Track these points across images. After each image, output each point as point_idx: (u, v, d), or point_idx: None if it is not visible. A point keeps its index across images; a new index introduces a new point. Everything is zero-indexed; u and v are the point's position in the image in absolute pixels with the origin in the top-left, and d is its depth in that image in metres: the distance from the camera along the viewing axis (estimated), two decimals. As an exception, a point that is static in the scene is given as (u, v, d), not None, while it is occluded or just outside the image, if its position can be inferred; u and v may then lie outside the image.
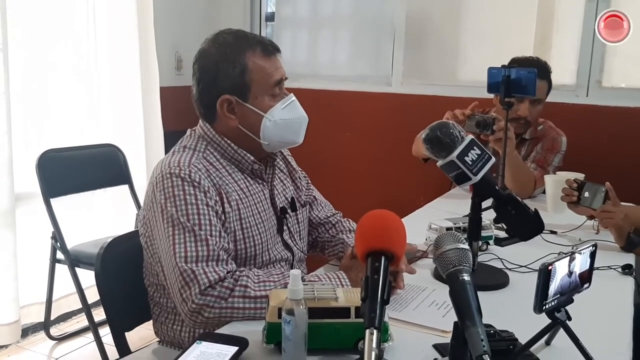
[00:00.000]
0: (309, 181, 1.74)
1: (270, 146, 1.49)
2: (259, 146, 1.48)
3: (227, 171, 1.44)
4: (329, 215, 1.74)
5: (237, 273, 1.29)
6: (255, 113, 1.44)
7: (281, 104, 1.46)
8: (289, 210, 1.57)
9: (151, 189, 1.39)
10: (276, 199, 1.54)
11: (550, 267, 1.02)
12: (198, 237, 1.29)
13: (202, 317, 1.25)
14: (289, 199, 1.59)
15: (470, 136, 1.34)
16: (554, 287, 1.04)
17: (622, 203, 1.86)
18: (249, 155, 1.47)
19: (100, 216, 3.13)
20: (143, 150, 3.26)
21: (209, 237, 1.30)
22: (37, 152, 2.66)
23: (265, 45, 1.45)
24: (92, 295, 2.62)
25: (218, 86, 1.43)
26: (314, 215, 1.71)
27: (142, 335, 1.69)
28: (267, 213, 1.50)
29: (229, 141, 1.46)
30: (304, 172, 1.73)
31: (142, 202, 1.52)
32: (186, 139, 1.50)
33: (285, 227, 1.55)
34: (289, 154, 1.71)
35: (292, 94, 1.49)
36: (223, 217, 1.37)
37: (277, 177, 1.58)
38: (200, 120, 1.50)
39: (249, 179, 1.48)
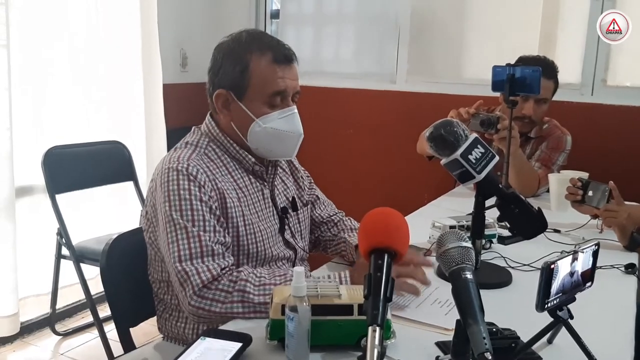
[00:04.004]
0: (312, 180, 1.74)
1: (259, 152, 1.47)
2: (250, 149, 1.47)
3: (227, 169, 1.45)
4: (331, 214, 1.74)
5: (235, 274, 1.29)
6: (247, 114, 1.42)
7: (279, 113, 1.43)
8: (289, 210, 1.57)
9: (153, 186, 1.41)
10: (277, 198, 1.54)
11: (552, 266, 1.02)
12: (190, 234, 1.30)
13: (201, 316, 1.27)
14: (290, 199, 1.59)
15: (474, 135, 1.34)
16: (556, 285, 1.04)
17: (626, 202, 1.86)
18: (250, 156, 1.47)
19: (105, 212, 3.14)
20: (144, 147, 3.26)
21: (201, 233, 1.31)
22: (37, 148, 2.67)
23: (278, 53, 1.41)
24: (97, 292, 2.65)
25: (219, 79, 1.44)
26: (317, 215, 1.72)
27: (146, 330, 1.70)
28: (267, 212, 1.50)
29: (231, 141, 1.46)
30: (306, 172, 1.73)
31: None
32: (189, 135, 1.50)
33: (286, 227, 1.55)
34: None
35: (294, 106, 1.46)
36: (225, 214, 1.38)
37: (278, 176, 1.58)
38: (207, 117, 1.51)
39: (250, 177, 1.48)
